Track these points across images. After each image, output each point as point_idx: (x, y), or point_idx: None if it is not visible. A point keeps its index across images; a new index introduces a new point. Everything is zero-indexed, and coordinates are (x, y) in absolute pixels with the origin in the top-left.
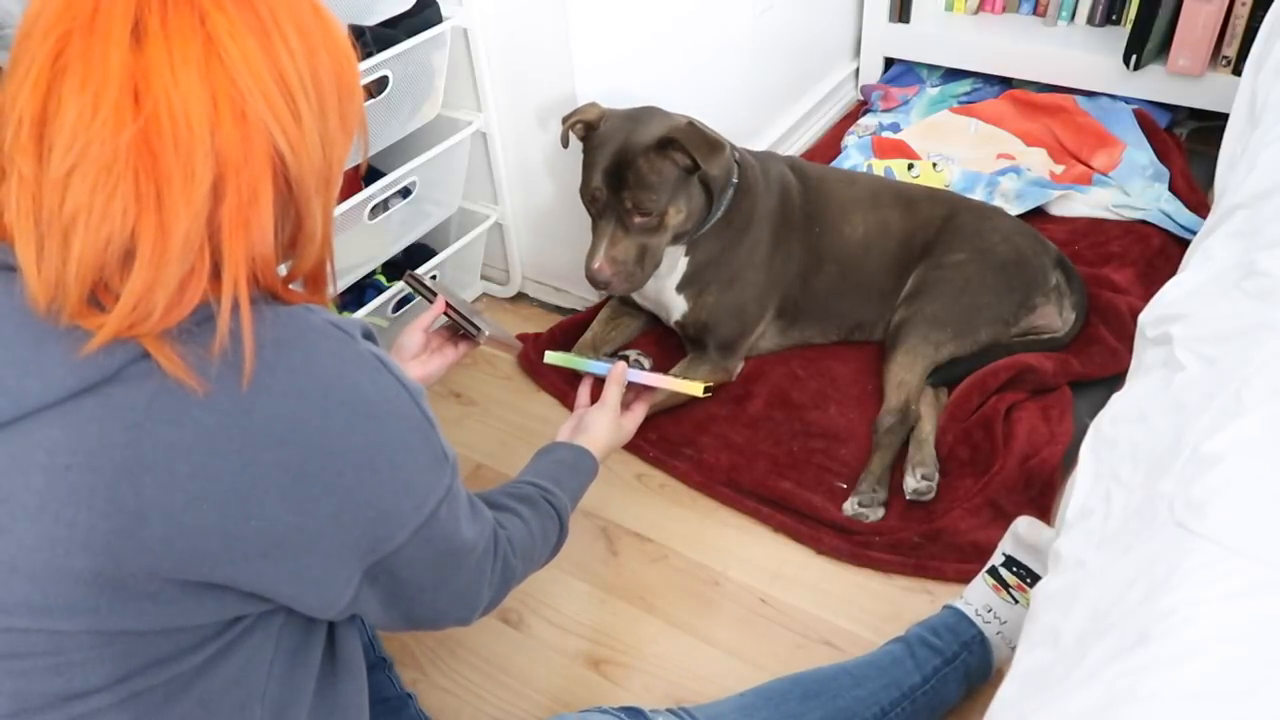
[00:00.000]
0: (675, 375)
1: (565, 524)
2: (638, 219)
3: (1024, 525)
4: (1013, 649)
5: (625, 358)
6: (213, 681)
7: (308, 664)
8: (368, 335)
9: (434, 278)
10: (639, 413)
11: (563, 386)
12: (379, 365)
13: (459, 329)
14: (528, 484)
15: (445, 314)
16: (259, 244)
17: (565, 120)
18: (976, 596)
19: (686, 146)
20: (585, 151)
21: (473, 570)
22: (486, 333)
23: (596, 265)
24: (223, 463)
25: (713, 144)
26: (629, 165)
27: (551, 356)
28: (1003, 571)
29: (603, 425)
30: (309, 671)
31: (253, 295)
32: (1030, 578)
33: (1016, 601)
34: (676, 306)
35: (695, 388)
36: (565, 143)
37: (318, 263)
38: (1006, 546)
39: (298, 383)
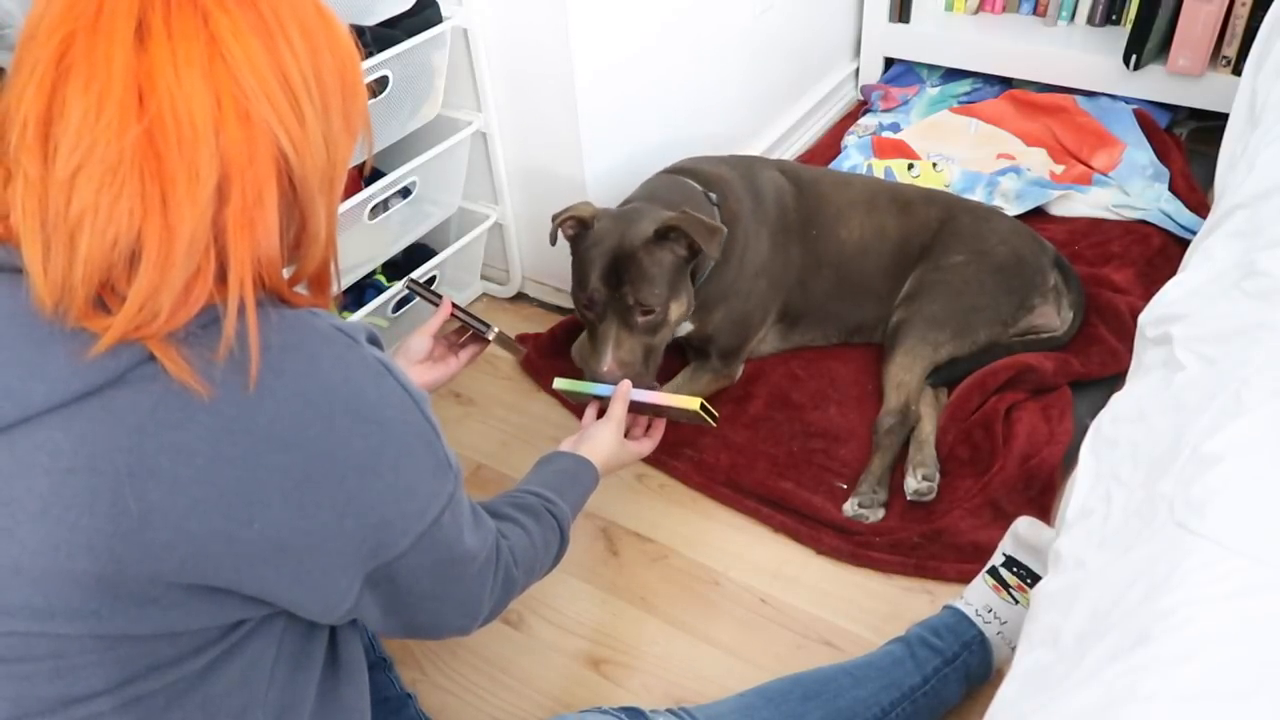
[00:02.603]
0: (679, 385)
1: (566, 535)
2: (641, 317)
3: (1024, 525)
4: (1013, 649)
5: None
6: (214, 686)
7: (309, 667)
8: (372, 340)
9: (433, 279)
10: (655, 436)
11: None
12: (383, 371)
13: (464, 334)
14: (530, 493)
15: (453, 315)
16: (264, 245)
17: (557, 218)
18: (977, 597)
19: (689, 231)
20: (576, 252)
21: (474, 579)
22: (496, 329)
23: (605, 369)
24: (226, 467)
25: (711, 228)
26: (629, 260)
27: (560, 383)
28: (1003, 572)
29: (606, 438)
30: (311, 675)
31: (258, 298)
32: (1030, 578)
33: (1017, 602)
34: (682, 329)
35: (693, 403)
36: (554, 240)
37: (322, 264)
38: (1007, 547)
39: (302, 387)
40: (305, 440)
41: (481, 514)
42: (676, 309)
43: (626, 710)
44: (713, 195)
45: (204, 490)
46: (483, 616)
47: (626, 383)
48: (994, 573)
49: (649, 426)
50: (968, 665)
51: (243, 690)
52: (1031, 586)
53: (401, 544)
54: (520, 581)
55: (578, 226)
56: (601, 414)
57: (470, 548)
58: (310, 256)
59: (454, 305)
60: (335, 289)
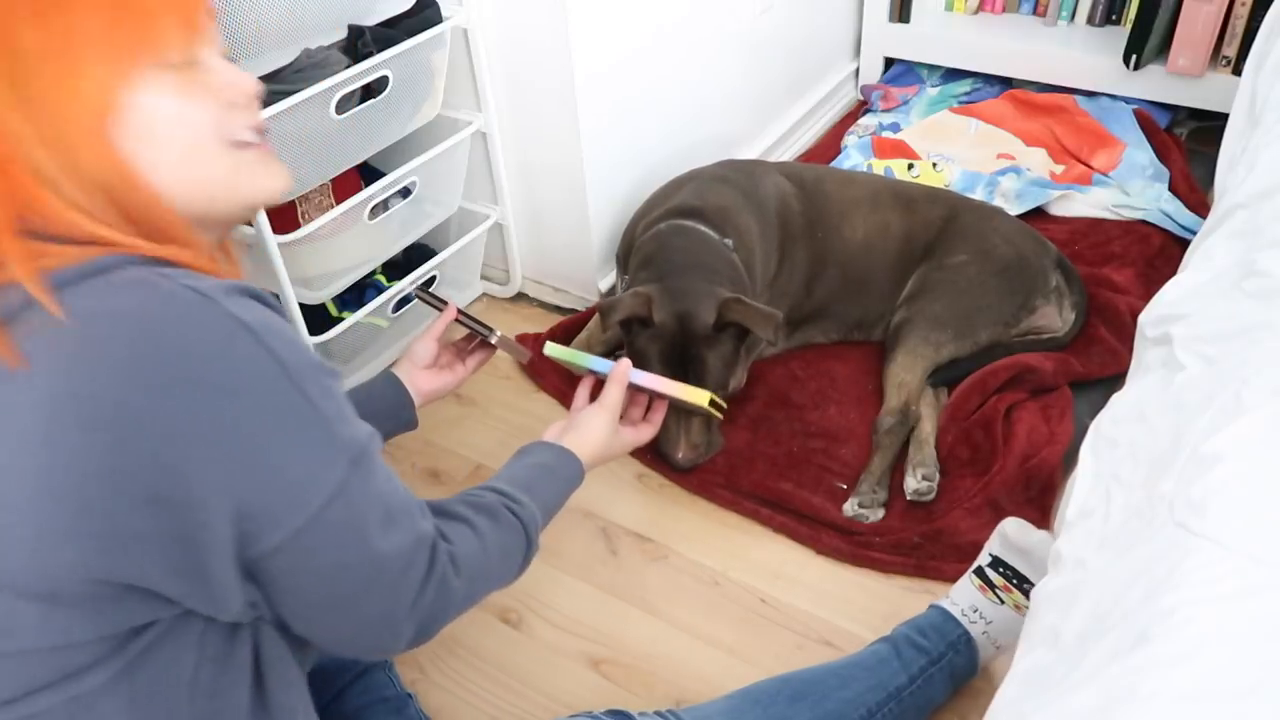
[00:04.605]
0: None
1: (532, 537)
2: None
3: (1012, 527)
4: (998, 648)
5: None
6: (120, 700)
7: (238, 670)
8: (254, 296)
9: (433, 279)
10: (655, 422)
11: (562, 386)
12: (239, 330)
13: (472, 340)
14: (492, 490)
15: (457, 320)
16: (26, 209)
17: (609, 315)
18: (962, 596)
19: (745, 323)
20: (634, 343)
21: (386, 590)
22: (499, 333)
23: (682, 455)
24: (58, 452)
25: (766, 316)
26: (692, 356)
27: (551, 349)
28: (989, 572)
29: (596, 427)
30: (241, 678)
31: (100, 263)
32: (1017, 579)
33: (1003, 602)
34: None
35: (702, 396)
36: (606, 330)
37: (146, 213)
38: (994, 547)
39: (129, 356)
40: (131, 417)
41: (406, 512)
42: (734, 383)
43: (612, 713)
44: (728, 241)
45: (43, 480)
46: (406, 635)
47: (625, 363)
48: (980, 573)
49: (649, 408)
50: (953, 665)
51: (156, 703)
52: (1018, 587)
53: (272, 537)
54: (463, 592)
55: (638, 325)
56: (595, 394)
57: (380, 551)
58: (107, 207)
59: (458, 310)
60: (209, 243)
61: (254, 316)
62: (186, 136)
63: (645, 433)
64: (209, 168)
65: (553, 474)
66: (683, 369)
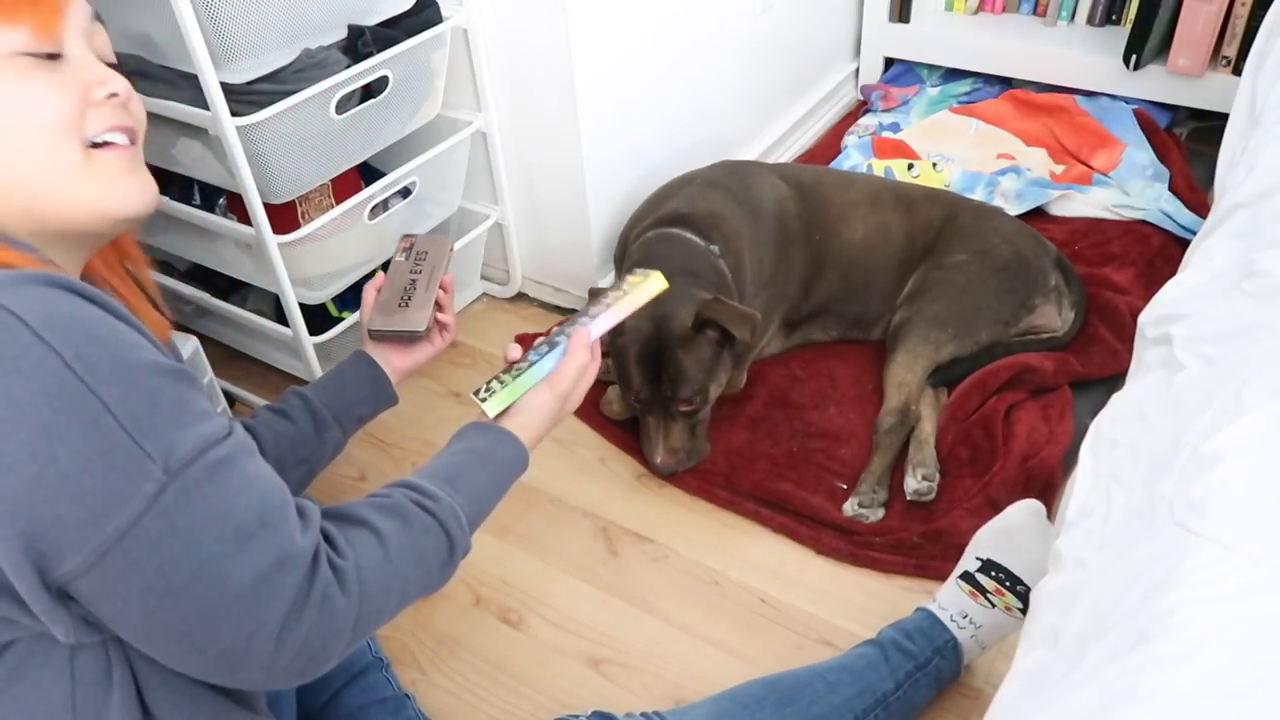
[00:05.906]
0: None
1: (455, 535)
2: (683, 408)
3: (994, 523)
4: (983, 648)
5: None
6: None
7: (120, 695)
8: (55, 285)
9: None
10: (597, 356)
11: None
12: (13, 324)
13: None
14: (403, 487)
15: (377, 289)
16: None
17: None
18: (951, 602)
19: (722, 322)
20: (613, 341)
21: (240, 618)
22: (373, 327)
23: (660, 460)
24: None
25: (744, 315)
26: (667, 359)
27: (492, 403)
28: (980, 577)
29: (540, 403)
30: (127, 696)
31: None
32: (1010, 580)
33: (994, 605)
34: None
35: (656, 281)
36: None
37: None
38: (981, 550)
39: None
40: None
41: (269, 526)
42: (716, 389)
43: (597, 714)
44: (714, 248)
45: None
46: (283, 666)
47: (581, 334)
48: (969, 578)
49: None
50: (939, 670)
51: None
52: (1010, 589)
53: (73, 559)
54: (358, 611)
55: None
56: None
57: (223, 573)
58: None
59: (387, 279)
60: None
61: (36, 307)
62: (29, 125)
63: (590, 371)
64: (39, 164)
65: (483, 460)
66: (658, 372)
